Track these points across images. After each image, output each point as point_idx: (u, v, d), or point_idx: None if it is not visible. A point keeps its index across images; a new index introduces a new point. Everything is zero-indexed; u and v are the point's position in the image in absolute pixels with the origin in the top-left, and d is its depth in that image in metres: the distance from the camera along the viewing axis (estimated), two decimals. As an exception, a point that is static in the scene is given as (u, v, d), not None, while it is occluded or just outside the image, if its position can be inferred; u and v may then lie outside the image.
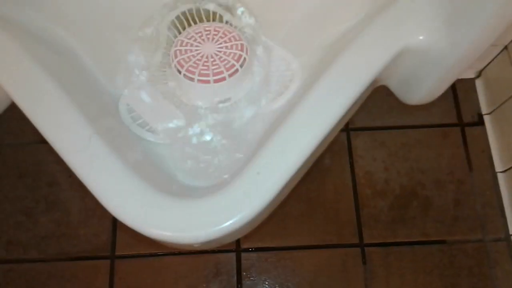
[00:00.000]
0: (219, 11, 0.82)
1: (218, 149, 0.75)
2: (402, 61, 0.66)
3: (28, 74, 0.63)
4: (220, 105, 0.76)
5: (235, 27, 0.80)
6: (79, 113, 0.60)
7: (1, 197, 1.08)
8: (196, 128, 0.75)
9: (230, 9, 0.83)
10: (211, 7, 0.82)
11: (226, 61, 0.76)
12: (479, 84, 1.16)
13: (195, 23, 0.81)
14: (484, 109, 1.15)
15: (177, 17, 0.82)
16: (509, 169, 1.04)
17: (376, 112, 1.16)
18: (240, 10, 0.81)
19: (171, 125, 0.75)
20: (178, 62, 0.76)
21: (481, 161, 1.11)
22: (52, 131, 0.58)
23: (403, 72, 0.69)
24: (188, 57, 0.76)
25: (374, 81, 0.65)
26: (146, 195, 0.56)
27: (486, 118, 1.14)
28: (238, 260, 1.01)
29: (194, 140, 0.75)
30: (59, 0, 0.74)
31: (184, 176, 0.70)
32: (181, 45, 0.77)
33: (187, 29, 0.80)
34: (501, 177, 1.07)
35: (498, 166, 1.09)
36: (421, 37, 0.64)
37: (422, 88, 0.70)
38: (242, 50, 0.76)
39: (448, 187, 1.09)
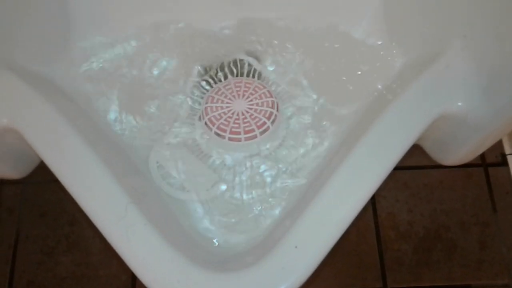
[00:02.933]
0: (249, 61, 0.82)
1: (250, 205, 0.74)
2: (439, 126, 0.65)
3: (61, 135, 0.63)
4: (249, 162, 0.76)
5: (265, 80, 0.80)
6: (114, 180, 0.59)
7: (23, 236, 1.08)
8: (227, 185, 0.75)
9: (259, 58, 0.83)
10: (241, 57, 0.82)
11: (257, 119, 0.75)
12: (502, 123, 1.15)
13: (225, 74, 0.81)
14: (507, 149, 1.14)
15: (209, 67, 0.82)
16: (534, 212, 1.03)
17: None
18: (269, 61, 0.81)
19: (202, 182, 0.74)
20: (209, 119, 0.76)
21: (505, 203, 1.10)
22: (88, 201, 0.57)
23: (440, 136, 0.69)
24: (219, 114, 0.76)
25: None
26: (181, 270, 0.55)
27: (510, 158, 1.13)
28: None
29: (227, 196, 0.74)
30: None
31: (218, 235, 0.69)
32: (211, 102, 0.77)
33: (218, 84, 0.80)
34: (526, 220, 1.06)
35: (524, 207, 1.08)
36: (459, 103, 0.63)
37: (457, 152, 0.69)
38: (273, 107, 0.76)
39: (473, 229, 1.07)
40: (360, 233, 1.08)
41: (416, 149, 1.14)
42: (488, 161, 1.14)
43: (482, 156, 1.14)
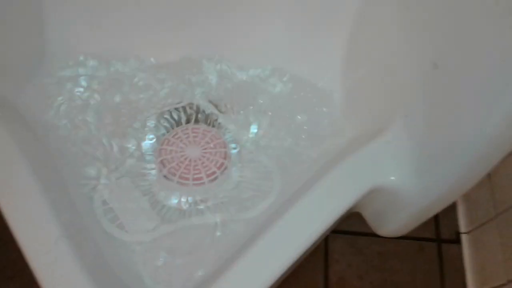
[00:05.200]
0: (210, 109, 0.85)
1: (189, 251, 0.75)
2: (375, 198, 0.67)
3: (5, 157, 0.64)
4: (196, 206, 0.77)
5: (222, 128, 0.83)
6: (51, 212, 0.60)
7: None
8: (168, 228, 0.76)
9: (218, 106, 0.87)
10: (203, 104, 0.86)
11: (207, 167, 0.78)
12: (460, 201, 1.18)
13: (187, 118, 0.84)
14: (462, 228, 1.16)
15: (168, 112, 0.85)
16: (480, 292, 1.03)
17: (357, 217, 1.16)
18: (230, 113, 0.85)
19: (144, 224, 0.75)
20: (161, 161, 0.78)
21: (454, 281, 1.10)
22: (20, 229, 0.58)
23: (376, 207, 0.71)
24: (172, 157, 0.78)
25: (347, 211, 0.67)
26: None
27: (464, 237, 1.14)
28: None
29: (166, 241, 0.75)
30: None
31: (151, 280, 0.70)
32: (167, 144, 0.80)
33: (176, 128, 0.83)
34: (472, 300, 1.06)
35: (471, 286, 1.08)
36: (392, 178, 0.66)
37: (390, 224, 0.71)
38: (225, 158, 0.79)
39: (420, 304, 1.08)
40: (309, 296, 1.07)
41: (374, 217, 1.16)
42: (443, 237, 1.15)
43: (437, 231, 1.16)
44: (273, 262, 0.59)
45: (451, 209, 1.18)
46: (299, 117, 0.85)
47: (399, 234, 0.76)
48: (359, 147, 0.68)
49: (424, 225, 1.15)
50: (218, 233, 0.74)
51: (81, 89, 0.84)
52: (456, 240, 1.15)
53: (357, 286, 1.09)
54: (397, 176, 0.66)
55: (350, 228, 1.15)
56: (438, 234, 1.16)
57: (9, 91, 0.76)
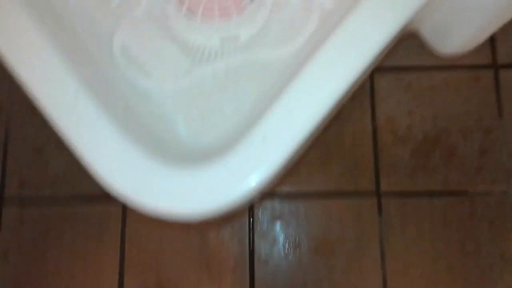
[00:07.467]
0: None
1: (224, 97, 0.69)
2: (437, 4, 0.56)
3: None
4: (226, 45, 0.69)
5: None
6: (66, 66, 0.53)
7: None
8: (200, 72, 0.68)
9: None
10: None
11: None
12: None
13: None
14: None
15: None
16: (543, 119, 0.96)
17: (404, 51, 1.06)
18: None
19: (172, 69, 0.68)
20: (180, -1, 0.68)
21: (512, 108, 1.03)
22: (38, 89, 0.53)
23: (439, 17, 0.60)
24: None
25: (403, 28, 0.57)
26: (139, 162, 0.51)
27: (524, 60, 1.04)
28: (250, 207, 0.99)
29: (198, 85, 0.68)
30: None
31: (186, 130, 0.65)
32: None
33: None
34: (532, 127, 0.99)
35: (531, 111, 1.01)
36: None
37: (460, 36, 0.60)
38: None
39: (475, 135, 1.02)
40: (356, 136, 1.03)
41: (422, 49, 1.05)
42: (500, 62, 1.05)
43: (494, 56, 1.05)
44: (325, 90, 0.52)
45: (509, 29, 1.05)
46: None
47: (466, 49, 0.66)
48: None
49: (479, 49, 1.04)
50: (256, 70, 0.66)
51: None
52: (515, 63, 1.04)
53: (407, 123, 1.03)
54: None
55: (395, 63, 1.06)
56: (494, 59, 1.05)
57: None
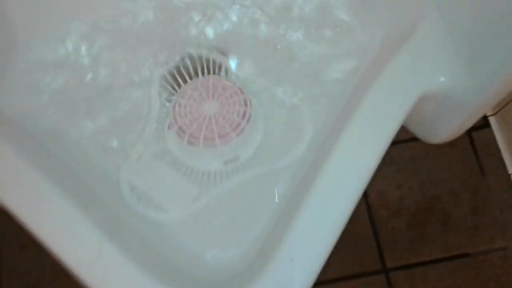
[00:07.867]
0: (213, 56, 0.76)
1: (238, 214, 0.69)
2: (423, 105, 0.61)
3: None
4: (229, 166, 0.71)
5: (233, 76, 0.74)
6: (83, 216, 0.53)
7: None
8: (209, 195, 0.70)
9: (223, 51, 0.78)
10: (204, 53, 0.77)
11: (230, 120, 0.70)
12: (480, 85, 1.13)
13: (189, 75, 0.76)
14: (488, 111, 1.12)
15: (169, 72, 0.77)
16: (522, 169, 1.01)
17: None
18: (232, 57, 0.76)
19: (182, 198, 0.69)
20: (180, 127, 0.70)
21: (493, 165, 1.08)
22: (60, 246, 0.52)
23: (425, 115, 0.65)
24: (190, 120, 0.70)
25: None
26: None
27: (492, 120, 1.11)
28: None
29: (209, 209, 0.69)
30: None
31: (209, 255, 0.65)
32: (179, 107, 0.71)
33: (183, 87, 0.74)
34: (515, 179, 1.04)
35: (511, 167, 1.06)
36: (442, 79, 0.59)
37: (445, 130, 0.65)
38: (245, 104, 0.71)
39: (464, 196, 1.06)
40: (352, 216, 1.04)
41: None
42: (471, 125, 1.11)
43: (464, 120, 1.12)
44: (344, 195, 0.55)
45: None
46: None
47: (455, 137, 0.71)
48: (392, 56, 0.61)
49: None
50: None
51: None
52: (484, 124, 1.11)
53: (398, 195, 1.06)
54: (447, 76, 0.59)
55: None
56: (465, 123, 1.12)
57: None
